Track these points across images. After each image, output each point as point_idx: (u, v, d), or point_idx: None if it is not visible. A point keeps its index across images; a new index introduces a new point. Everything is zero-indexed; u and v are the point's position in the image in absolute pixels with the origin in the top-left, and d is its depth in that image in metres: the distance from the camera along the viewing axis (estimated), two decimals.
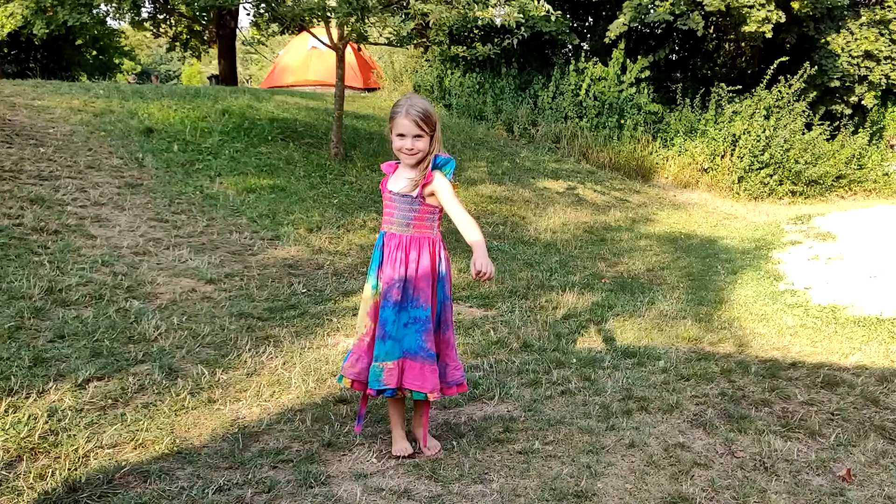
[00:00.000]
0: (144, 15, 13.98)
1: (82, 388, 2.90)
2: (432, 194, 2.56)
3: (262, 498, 2.29)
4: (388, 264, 2.55)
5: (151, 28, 14.52)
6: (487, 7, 7.31)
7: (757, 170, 11.12)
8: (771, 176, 11.11)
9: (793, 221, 8.53)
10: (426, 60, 13.45)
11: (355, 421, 2.76)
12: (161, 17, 14.50)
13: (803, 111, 11.40)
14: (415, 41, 10.13)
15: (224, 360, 3.38)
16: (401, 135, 2.52)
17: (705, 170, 11.41)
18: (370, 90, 15.30)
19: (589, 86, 11.97)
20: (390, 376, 2.49)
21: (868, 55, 12.12)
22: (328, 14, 7.49)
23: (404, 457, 2.60)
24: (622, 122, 11.90)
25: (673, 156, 11.50)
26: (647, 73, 12.00)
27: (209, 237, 5.42)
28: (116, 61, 24.26)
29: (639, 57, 12.06)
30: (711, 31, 13.26)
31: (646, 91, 12.03)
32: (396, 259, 2.54)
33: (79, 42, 18.80)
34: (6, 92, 8.62)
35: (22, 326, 3.38)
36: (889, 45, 12.12)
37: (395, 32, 7.92)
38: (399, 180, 2.60)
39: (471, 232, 2.53)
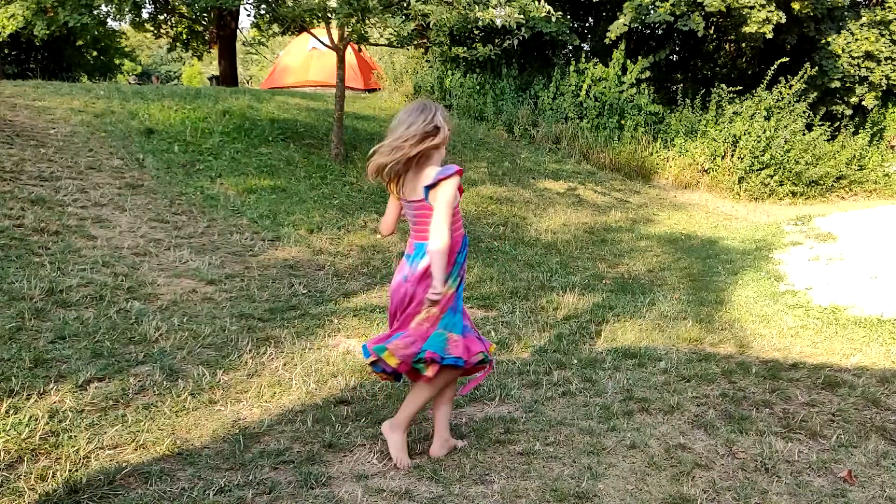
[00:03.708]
0: (145, 15, 13.97)
1: (83, 389, 2.90)
2: None
3: (263, 499, 2.29)
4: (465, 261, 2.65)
5: (152, 29, 14.49)
6: (488, 8, 7.31)
7: (757, 170, 11.12)
8: (771, 177, 11.11)
9: (793, 222, 8.52)
10: (426, 61, 13.45)
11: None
12: (162, 17, 14.48)
13: (804, 112, 11.39)
14: (415, 42, 10.12)
15: (225, 360, 3.38)
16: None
17: (706, 170, 11.40)
18: (371, 91, 15.30)
19: (589, 86, 11.97)
20: (455, 347, 2.51)
21: (868, 56, 12.11)
22: (329, 15, 7.49)
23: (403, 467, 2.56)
24: (623, 122, 11.89)
25: (673, 156, 11.49)
26: (648, 73, 11.98)
27: (210, 238, 5.42)
28: (117, 62, 24.24)
29: (639, 57, 12.04)
30: (712, 31, 13.25)
31: (646, 92, 12.02)
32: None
33: (79, 43, 18.79)
34: (7, 93, 8.63)
35: (23, 327, 3.38)
36: (889, 46, 12.11)
37: (396, 33, 7.92)
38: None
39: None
